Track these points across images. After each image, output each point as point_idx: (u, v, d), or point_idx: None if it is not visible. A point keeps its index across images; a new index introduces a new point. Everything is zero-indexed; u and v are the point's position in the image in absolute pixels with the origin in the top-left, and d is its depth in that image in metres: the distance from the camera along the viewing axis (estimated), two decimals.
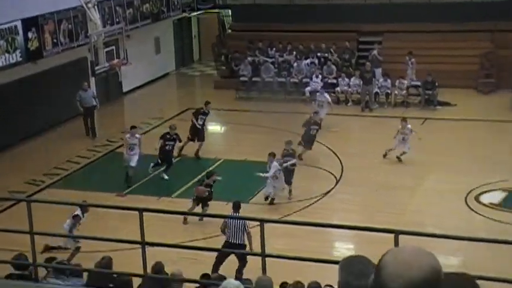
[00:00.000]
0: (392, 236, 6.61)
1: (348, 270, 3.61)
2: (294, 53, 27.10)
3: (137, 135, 18.39)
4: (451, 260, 13.29)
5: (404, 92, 24.62)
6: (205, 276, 9.70)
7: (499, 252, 12.23)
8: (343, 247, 14.38)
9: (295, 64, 26.53)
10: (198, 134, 20.24)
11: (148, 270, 8.16)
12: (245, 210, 14.98)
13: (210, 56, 31.91)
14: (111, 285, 8.63)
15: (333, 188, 17.67)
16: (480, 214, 15.96)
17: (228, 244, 12.79)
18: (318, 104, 22.10)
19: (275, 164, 16.58)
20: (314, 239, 13.86)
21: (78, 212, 13.84)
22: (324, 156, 19.69)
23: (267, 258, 7.42)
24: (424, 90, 24.26)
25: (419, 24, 26.24)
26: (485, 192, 17.02)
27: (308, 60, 26.61)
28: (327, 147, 20.21)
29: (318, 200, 16.91)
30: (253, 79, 26.53)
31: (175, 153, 19.16)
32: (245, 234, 12.75)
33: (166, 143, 18.41)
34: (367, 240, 13.14)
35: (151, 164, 18.43)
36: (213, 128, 23.47)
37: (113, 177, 18.79)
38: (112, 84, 26.56)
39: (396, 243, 6.90)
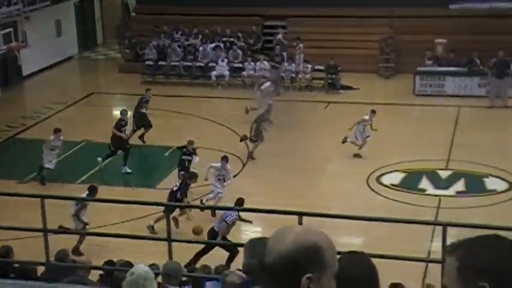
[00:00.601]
0: (296, 217, 6.75)
1: (250, 252, 3.70)
2: (200, 36, 27.00)
3: (61, 138, 17.74)
4: (353, 239, 13.69)
5: (309, 76, 25.03)
6: (109, 262, 9.59)
7: (398, 231, 12.69)
8: (250, 230, 14.54)
9: (200, 48, 26.45)
10: (145, 120, 20.03)
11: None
12: (151, 195, 14.89)
13: (114, 39, 31.35)
14: (12, 274, 8.40)
15: (240, 172, 17.80)
16: (381, 195, 16.49)
17: (212, 230, 13.42)
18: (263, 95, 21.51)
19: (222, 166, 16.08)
20: None
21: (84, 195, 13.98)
22: (231, 139, 19.77)
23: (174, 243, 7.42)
24: (327, 75, 24.74)
25: (322, 9, 26.66)
26: (386, 173, 17.60)
27: (213, 44, 26.59)
28: (233, 131, 20.29)
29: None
30: (159, 63, 26.27)
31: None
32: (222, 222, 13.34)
33: (121, 129, 18.30)
34: (271, 223, 13.37)
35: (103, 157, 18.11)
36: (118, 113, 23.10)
37: (13, 164, 18.20)
38: (10, 68, 25.66)
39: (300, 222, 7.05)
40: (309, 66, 24.96)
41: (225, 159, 16.22)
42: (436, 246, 12.14)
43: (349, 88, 24.60)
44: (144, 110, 20.03)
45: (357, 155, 18.51)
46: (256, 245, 3.83)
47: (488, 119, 21.22)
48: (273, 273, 2.06)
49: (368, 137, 18.57)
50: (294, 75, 25.06)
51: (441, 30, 25.22)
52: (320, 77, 25.07)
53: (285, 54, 25.79)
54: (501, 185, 16.75)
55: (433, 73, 24.10)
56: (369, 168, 17.71)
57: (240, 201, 13.62)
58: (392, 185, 17.07)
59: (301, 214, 6.81)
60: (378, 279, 2.71)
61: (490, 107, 22.32)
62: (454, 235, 13.18)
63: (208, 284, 8.03)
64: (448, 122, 21.07)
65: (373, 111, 18.86)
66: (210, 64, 25.90)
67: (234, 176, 16.79)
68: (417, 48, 24.85)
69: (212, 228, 13.43)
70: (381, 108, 20.58)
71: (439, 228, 7.31)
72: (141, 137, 19.86)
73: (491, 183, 16.90)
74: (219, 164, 16.07)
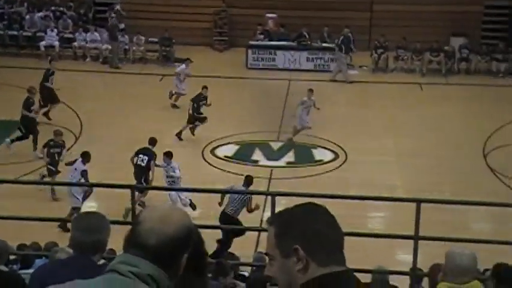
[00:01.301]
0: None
1: (75, 226, 3.70)
2: (26, 4, 25.73)
3: None
4: (193, 212, 13.83)
5: (142, 48, 24.74)
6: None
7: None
8: (86, 205, 14.18)
9: (27, 17, 25.23)
10: (52, 95, 18.74)
11: None
12: None
13: None
14: None
15: (72, 145, 17.30)
16: (216, 167, 16.75)
17: (222, 213, 12.64)
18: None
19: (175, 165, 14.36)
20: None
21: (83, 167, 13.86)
22: (61, 112, 19.13)
23: None
24: (161, 47, 24.58)
25: None
26: (220, 146, 17.89)
27: (42, 14, 25.47)
28: (66, 105, 19.62)
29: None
30: None
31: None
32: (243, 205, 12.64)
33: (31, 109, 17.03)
34: (105, 195, 13.19)
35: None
36: None
37: None
38: None
39: (132, 198, 7.03)
40: (143, 38, 24.65)
41: (168, 155, 14.46)
42: (268, 215, 12.54)
43: (184, 61, 24.59)
44: (49, 84, 18.78)
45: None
46: (84, 219, 3.85)
47: (318, 93, 22.14)
48: (157, 255, 2.14)
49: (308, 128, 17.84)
50: (127, 47, 24.65)
51: (272, 5, 25.86)
52: (154, 50, 24.86)
53: (121, 25, 25.25)
54: (328, 155, 17.62)
55: (265, 47, 24.71)
56: (204, 141, 17.91)
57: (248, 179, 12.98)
58: (227, 156, 17.40)
59: (133, 188, 6.78)
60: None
61: (350, 82, 23.10)
62: (285, 204, 13.73)
63: (37, 261, 7.79)
64: (279, 95, 21.76)
65: (310, 90, 18.20)
66: (38, 34, 24.80)
67: (68, 149, 16.27)
68: (250, 22, 25.34)
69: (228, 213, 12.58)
70: (215, 81, 20.82)
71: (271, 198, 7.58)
72: (46, 114, 18.68)
73: (318, 153, 17.72)
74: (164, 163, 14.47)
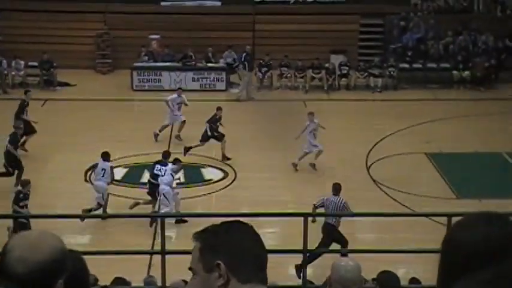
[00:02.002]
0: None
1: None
2: None
3: None
4: (77, 238, 13.54)
5: (22, 72, 24.03)
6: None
7: (124, 225, 12.84)
8: None
9: None
10: (28, 127, 18.01)
11: None
12: None
13: None
14: None
15: None
16: None
17: (326, 223, 12.86)
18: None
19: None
20: None
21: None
22: None
23: None
24: (42, 71, 23.98)
25: (35, 3, 25.67)
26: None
27: None
28: None
29: None
30: None
31: None
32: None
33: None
34: None
35: None
36: None
37: None
38: None
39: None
40: (22, 62, 23.96)
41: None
42: (159, 241, 12.48)
43: (66, 84, 24.14)
44: (25, 116, 18.21)
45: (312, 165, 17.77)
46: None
47: (205, 112, 22.26)
48: (28, 283, 2.08)
49: (320, 152, 17.62)
50: (6, 72, 23.88)
51: (155, 26, 25.86)
52: (35, 74, 24.21)
53: None
54: (217, 174, 17.74)
55: (150, 68, 24.64)
56: (89, 164, 17.56)
57: None
58: (115, 180, 17.13)
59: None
60: (86, 274, 2.83)
61: (241, 100, 23.31)
62: (178, 225, 13.68)
63: None
64: (166, 116, 21.67)
65: (311, 113, 17.93)
66: None
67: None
68: (133, 44, 25.18)
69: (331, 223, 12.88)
70: (100, 104, 20.54)
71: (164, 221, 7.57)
72: (22, 145, 17.86)
73: (207, 173, 17.81)
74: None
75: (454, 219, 2.13)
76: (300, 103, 23.31)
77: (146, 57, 25.05)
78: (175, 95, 20.30)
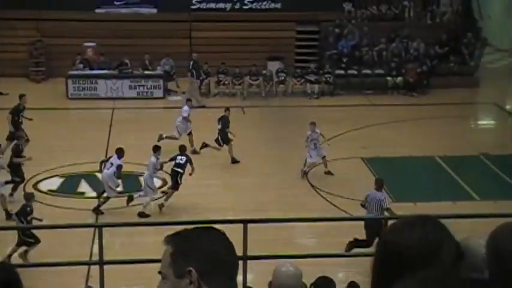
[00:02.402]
0: None
1: None
2: None
3: None
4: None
5: None
6: None
7: (59, 236, 12.61)
8: None
9: None
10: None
11: None
12: None
13: None
14: None
15: None
16: (39, 201, 16.13)
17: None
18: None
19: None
20: None
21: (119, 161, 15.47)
22: None
23: None
24: None
25: None
26: (44, 179, 17.27)
27: None
28: None
29: None
30: None
31: None
32: (383, 210, 13.15)
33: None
34: None
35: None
36: None
37: None
38: None
39: None
40: None
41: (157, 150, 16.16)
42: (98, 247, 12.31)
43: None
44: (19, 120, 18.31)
45: (328, 173, 17.80)
46: None
47: (140, 120, 22.09)
48: None
49: (324, 157, 17.71)
50: None
51: (90, 34, 25.52)
52: None
53: None
54: (158, 182, 17.61)
55: (85, 76, 24.28)
56: (26, 175, 17.19)
57: None
58: (51, 190, 16.83)
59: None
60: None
61: (202, 106, 23.17)
62: (117, 235, 13.53)
63: None
64: (103, 124, 21.43)
65: (312, 123, 17.83)
66: None
67: None
68: (68, 52, 24.79)
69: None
70: (35, 113, 20.09)
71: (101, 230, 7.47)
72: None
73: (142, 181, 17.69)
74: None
75: (390, 223, 2.18)
76: (238, 110, 23.36)
77: (81, 65, 24.68)
78: (186, 107, 20.04)
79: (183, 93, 24.71)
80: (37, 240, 12.97)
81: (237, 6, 27.00)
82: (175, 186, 16.14)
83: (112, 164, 15.75)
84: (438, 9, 27.63)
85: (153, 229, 13.17)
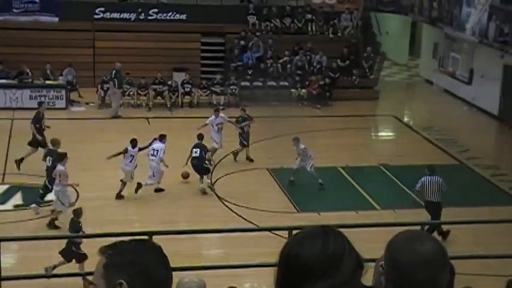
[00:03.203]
0: None
1: None
2: None
3: None
4: None
5: None
6: None
7: None
8: None
9: None
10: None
11: None
12: None
13: None
14: None
15: None
16: None
17: (426, 202, 15.12)
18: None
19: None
20: None
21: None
22: None
23: None
24: None
25: None
26: None
27: None
28: None
29: None
30: None
31: None
32: (440, 192, 14.96)
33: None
34: None
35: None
36: None
37: None
38: None
39: None
40: None
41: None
42: None
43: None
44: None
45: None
46: None
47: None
48: None
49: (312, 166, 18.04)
50: None
51: None
52: None
53: None
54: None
55: None
56: None
57: None
58: None
59: None
60: None
61: (114, 117, 23.05)
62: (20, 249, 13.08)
63: None
64: (2, 134, 20.74)
65: (296, 139, 18.52)
66: None
67: None
68: None
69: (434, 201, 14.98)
70: None
71: None
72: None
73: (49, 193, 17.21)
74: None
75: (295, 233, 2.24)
76: (144, 121, 23.16)
77: None
78: (213, 117, 19.85)
79: (87, 103, 24.29)
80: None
81: (142, 16, 26.79)
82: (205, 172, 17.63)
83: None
84: (339, 24, 28.37)
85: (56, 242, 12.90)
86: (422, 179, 15.12)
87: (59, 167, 15.47)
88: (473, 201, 17.28)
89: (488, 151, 22.03)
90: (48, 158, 16.33)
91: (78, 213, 13.76)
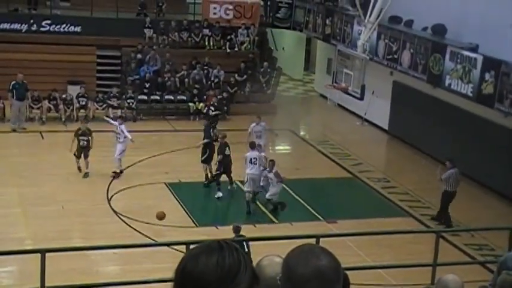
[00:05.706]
0: None
1: None
2: None
3: None
4: None
5: None
6: None
7: None
8: None
9: None
10: None
11: None
12: None
13: None
14: None
15: None
16: None
17: (446, 192, 17.10)
18: None
19: None
20: None
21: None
22: None
23: None
24: None
25: None
26: None
27: None
28: None
29: None
30: None
31: None
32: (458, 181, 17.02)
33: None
34: None
35: None
36: None
37: None
38: None
39: None
40: None
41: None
42: None
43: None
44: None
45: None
46: None
47: None
48: None
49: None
50: None
51: None
52: None
53: None
54: None
55: None
56: None
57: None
58: None
59: None
60: None
61: (14, 130, 22.35)
62: None
63: None
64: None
65: (258, 117, 20.83)
66: None
67: None
68: None
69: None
70: None
71: None
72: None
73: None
74: None
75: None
76: (37, 135, 22.51)
77: None
78: (253, 123, 20.57)
79: None
80: None
81: (34, 28, 26.09)
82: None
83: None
84: (236, 39, 28.66)
85: None
86: (451, 171, 16.94)
87: None
88: (365, 214, 17.84)
89: (380, 164, 22.81)
90: None
91: (238, 229, 13.56)
